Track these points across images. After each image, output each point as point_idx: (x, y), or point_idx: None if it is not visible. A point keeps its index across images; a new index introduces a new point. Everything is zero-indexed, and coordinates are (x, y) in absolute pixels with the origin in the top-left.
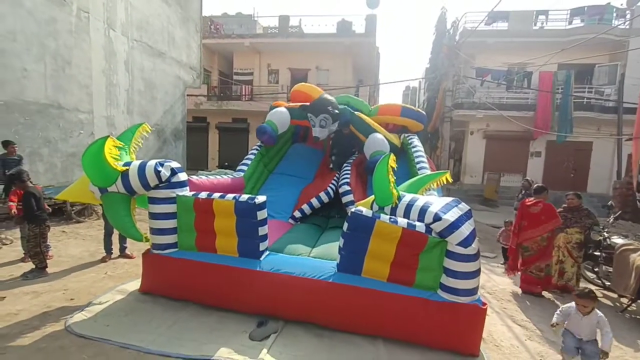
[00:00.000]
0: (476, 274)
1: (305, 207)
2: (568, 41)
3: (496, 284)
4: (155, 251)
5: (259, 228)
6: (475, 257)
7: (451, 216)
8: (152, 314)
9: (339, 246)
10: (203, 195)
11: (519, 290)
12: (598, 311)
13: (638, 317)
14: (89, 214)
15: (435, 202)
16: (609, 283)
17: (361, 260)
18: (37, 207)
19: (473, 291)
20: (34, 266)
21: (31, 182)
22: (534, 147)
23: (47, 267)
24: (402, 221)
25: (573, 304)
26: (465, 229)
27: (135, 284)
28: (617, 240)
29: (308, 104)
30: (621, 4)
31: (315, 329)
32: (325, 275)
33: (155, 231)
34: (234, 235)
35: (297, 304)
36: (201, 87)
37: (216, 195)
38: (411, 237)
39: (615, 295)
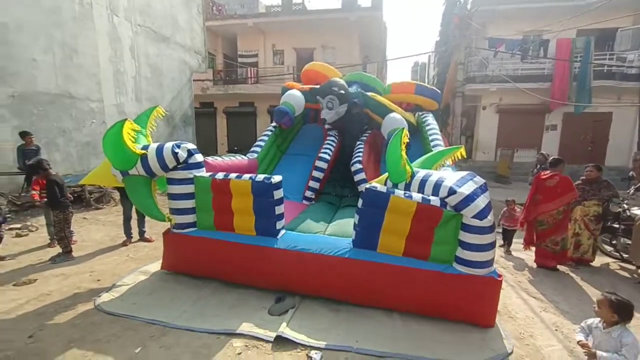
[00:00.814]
0: (492, 246)
1: (312, 183)
2: (587, 4)
3: (510, 257)
4: (175, 230)
5: (276, 207)
6: (490, 229)
7: (466, 189)
8: (175, 292)
9: (354, 222)
10: (220, 175)
11: (534, 265)
12: (626, 328)
13: None
14: (107, 201)
15: (450, 176)
16: (627, 255)
17: (376, 235)
18: (61, 194)
19: (489, 263)
20: (60, 250)
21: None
22: (550, 120)
23: (72, 251)
24: (417, 196)
25: (597, 318)
26: (481, 202)
27: (156, 265)
28: (638, 211)
29: (318, 86)
30: None
31: (332, 303)
32: (341, 251)
33: (174, 211)
34: (251, 214)
35: (314, 280)
36: (207, 72)
37: (233, 175)
38: (426, 211)
39: (634, 267)
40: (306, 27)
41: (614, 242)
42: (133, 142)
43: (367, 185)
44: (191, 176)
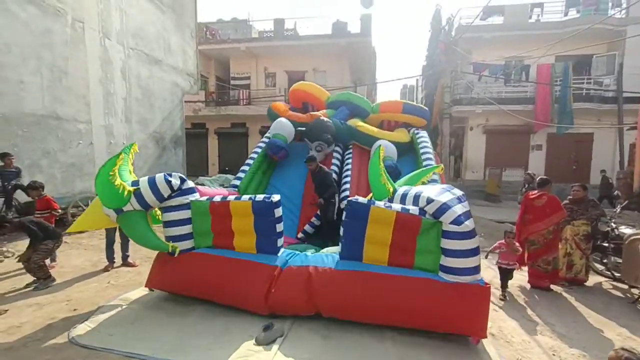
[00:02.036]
0: (474, 252)
1: (307, 227)
2: (564, 32)
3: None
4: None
5: (276, 225)
6: (470, 234)
7: (443, 198)
8: (157, 321)
9: (340, 235)
10: (217, 198)
11: (528, 285)
12: None
13: None
14: None
15: (429, 189)
16: (618, 274)
17: (361, 246)
18: (44, 229)
19: (473, 270)
20: (37, 278)
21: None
22: (535, 140)
23: (51, 276)
24: (396, 206)
25: None
26: (458, 209)
27: (139, 292)
28: (626, 230)
29: (304, 124)
30: None
31: (322, 330)
32: (331, 264)
33: (172, 238)
34: (252, 233)
35: (309, 295)
36: (199, 93)
37: (231, 197)
38: (405, 219)
39: (626, 287)
40: (297, 52)
41: (604, 260)
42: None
43: (350, 199)
44: (187, 201)
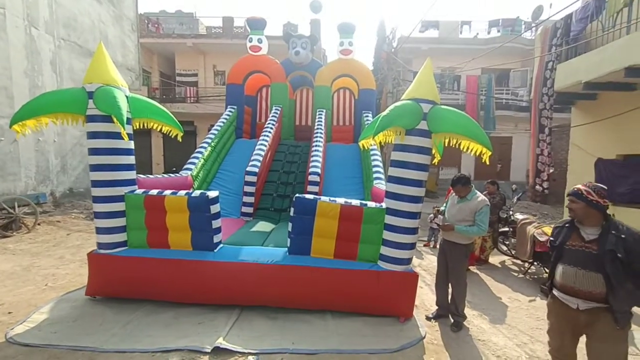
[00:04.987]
0: (412, 246)
1: (245, 198)
2: (487, 48)
3: (430, 261)
4: (102, 251)
5: (213, 221)
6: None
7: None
8: (103, 317)
9: (288, 230)
10: (154, 192)
11: None
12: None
13: (534, 277)
14: (18, 228)
15: None
16: (516, 252)
17: (309, 240)
18: None
19: (407, 261)
20: None
21: None
22: None
23: None
24: (340, 199)
25: None
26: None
27: (81, 292)
28: (518, 216)
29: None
30: (527, 18)
31: (270, 312)
32: (276, 259)
33: (102, 230)
34: (187, 229)
35: (253, 290)
36: (141, 89)
37: (168, 192)
38: (349, 210)
39: (521, 262)
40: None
41: (506, 242)
42: None
43: (297, 195)
44: (121, 194)
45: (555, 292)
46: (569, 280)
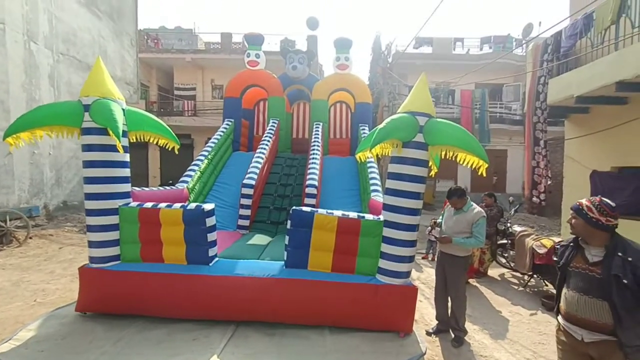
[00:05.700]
0: (410, 259)
1: (242, 211)
2: (480, 64)
3: (429, 274)
4: (94, 265)
5: (208, 234)
6: (411, 243)
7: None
8: (94, 334)
9: (285, 244)
10: (148, 205)
11: None
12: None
13: (535, 289)
14: (8, 242)
15: None
16: (514, 265)
17: (306, 253)
18: None
19: (406, 274)
20: None
21: None
22: None
23: None
24: (337, 212)
25: None
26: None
27: (70, 308)
28: (516, 228)
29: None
30: (518, 35)
31: (266, 328)
32: (273, 273)
33: (94, 244)
34: (182, 243)
35: (248, 304)
36: (139, 103)
37: (162, 205)
38: (346, 223)
39: (520, 274)
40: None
41: (505, 254)
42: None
43: (294, 208)
44: (115, 206)
45: (559, 319)
46: (572, 308)
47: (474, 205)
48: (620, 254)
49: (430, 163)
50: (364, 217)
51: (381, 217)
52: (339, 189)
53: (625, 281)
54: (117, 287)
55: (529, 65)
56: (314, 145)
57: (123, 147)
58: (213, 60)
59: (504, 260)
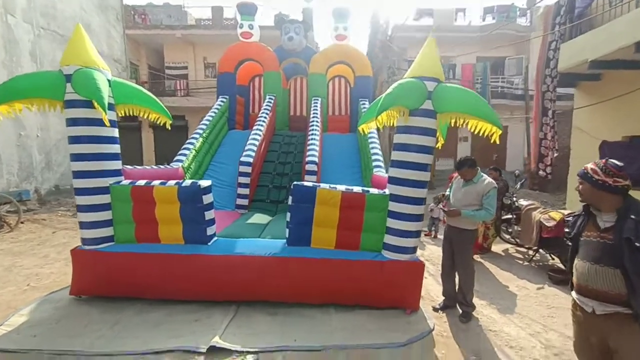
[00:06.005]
0: (417, 234)
1: (240, 190)
2: (482, 35)
3: (432, 252)
4: (87, 247)
5: (205, 212)
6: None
7: None
8: (89, 317)
9: (287, 220)
10: (141, 183)
11: None
12: None
13: (540, 264)
14: None
15: None
16: (519, 240)
17: (309, 229)
18: None
19: (412, 250)
20: None
21: None
22: (462, 132)
23: None
24: (341, 186)
25: None
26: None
27: (65, 292)
28: (523, 202)
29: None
30: (522, 4)
31: (269, 307)
32: (275, 251)
33: (86, 225)
34: (178, 222)
35: (250, 284)
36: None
37: (156, 182)
38: (350, 197)
39: (525, 250)
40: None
41: (509, 230)
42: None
43: (295, 183)
44: (106, 185)
45: (573, 293)
46: (582, 278)
47: (485, 176)
48: (633, 216)
49: (437, 133)
50: (368, 191)
51: (387, 191)
52: (339, 165)
53: (637, 244)
54: (112, 269)
55: (538, 32)
56: (313, 122)
57: (110, 121)
58: (204, 36)
59: (507, 236)
